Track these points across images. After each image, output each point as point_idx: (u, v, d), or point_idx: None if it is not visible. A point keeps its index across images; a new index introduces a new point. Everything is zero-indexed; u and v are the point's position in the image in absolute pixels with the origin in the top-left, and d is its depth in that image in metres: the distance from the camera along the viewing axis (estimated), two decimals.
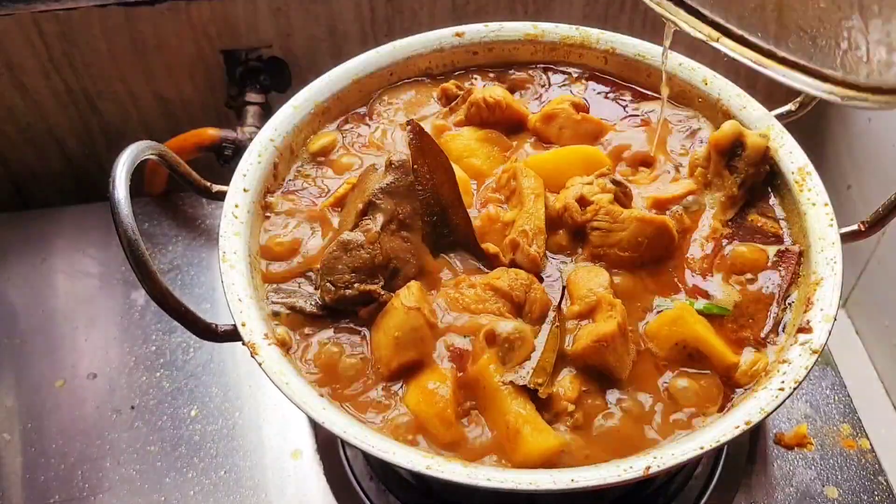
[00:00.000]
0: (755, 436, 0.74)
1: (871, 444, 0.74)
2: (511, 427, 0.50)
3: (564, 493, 0.47)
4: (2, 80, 0.90)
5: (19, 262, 0.87)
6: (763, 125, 0.63)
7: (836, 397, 0.76)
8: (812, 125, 0.64)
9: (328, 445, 0.74)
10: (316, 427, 0.75)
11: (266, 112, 0.93)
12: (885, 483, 0.71)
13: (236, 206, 0.60)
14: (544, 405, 0.51)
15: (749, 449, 0.73)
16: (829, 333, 0.52)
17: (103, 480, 0.72)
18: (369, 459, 0.71)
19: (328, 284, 0.55)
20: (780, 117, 0.65)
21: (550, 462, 0.49)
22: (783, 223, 0.60)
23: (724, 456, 0.71)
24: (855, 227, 0.59)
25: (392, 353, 0.53)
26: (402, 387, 0.53)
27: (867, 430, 0.74)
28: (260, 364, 0.53)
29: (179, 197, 0.92)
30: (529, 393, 0.51)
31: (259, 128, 0.81)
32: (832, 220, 0.58)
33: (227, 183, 0.61)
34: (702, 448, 0.48)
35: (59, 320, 0.83)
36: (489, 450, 0.50)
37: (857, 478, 0.71)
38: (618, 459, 0.49)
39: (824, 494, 0.70)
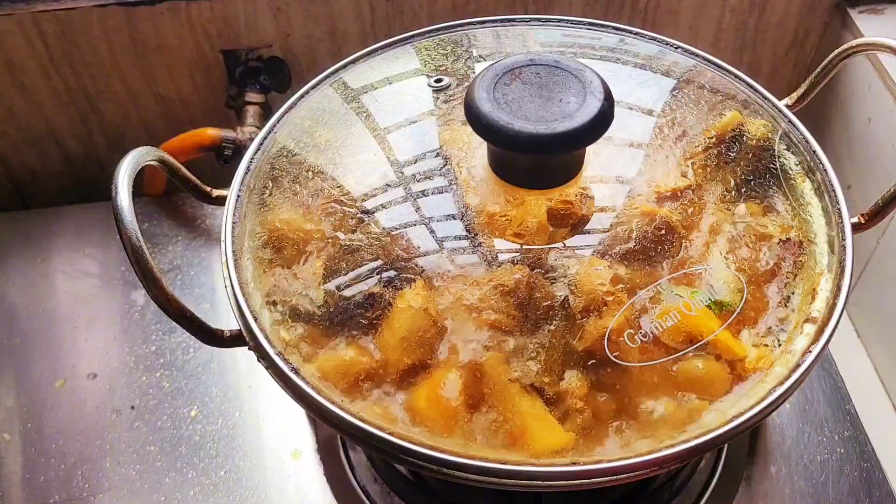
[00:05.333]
0: (755, 431, 0.74)
1: (871, 445, 0.74)
2: (520, 425, 0.50)
3: (582, 483, 0.48)
4: (2, 80, 0.90)
5: (19, 262, 0.87)
6: (766, 114, 0.63)
7: (836, 397, 0.76)
8: (812, 125, 0.64)
9: (328, 445, 0.73)
10: (316, 427, 0.75)
11: (266, 112, 0.93)
12: (885, 484, 0.71)
13: (238, 206, 0.59)
14: (553, 402, 0.51)
15: (749, 445, 0.73)
16: (837, 324, 0.52)
17: (103, 480, 0.72)
18: (373, 461, 0.71)
19: (332, 286, 0.55)
20: None
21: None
22: (788, 213, 0.59)
23: (724, 452, 0.72)
24: (855, 219, 0.59)
25: (400, 353, 0.52)
26: (411, 387, 0.52)
27: (867, 430, 0.75)
28: (267, 368, 0.53)
29: (179, 197, 0.92)
30: (537, 391, 0.51)
31: (259, 128, 0.81)
32: (839, 207, 0.57)
33: (226, 183, 0.61)
34: (712, 438, 0.49)
35: (59, 320, 0.82)
36: (499, 447, 0.50)
37: (857, 478, 0.71)
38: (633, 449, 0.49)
39: (824, 494, 0.70)
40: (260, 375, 0.75)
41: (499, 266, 0.56)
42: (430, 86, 0.65)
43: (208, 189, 0.64)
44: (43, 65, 0.89)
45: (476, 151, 0.59)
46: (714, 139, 0.61)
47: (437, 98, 0.64)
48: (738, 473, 0.71)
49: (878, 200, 0.59)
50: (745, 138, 0.61)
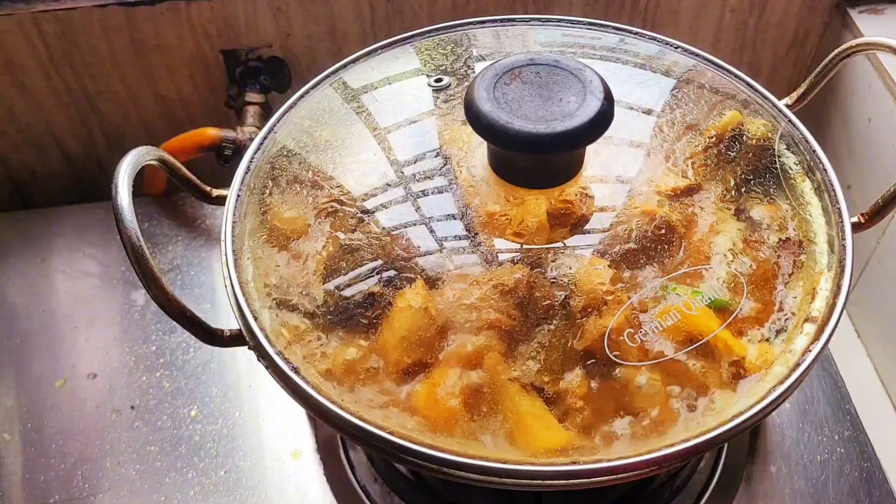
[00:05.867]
0: (755, 431, 0.74)
1: (871, 445, 0.74)
2: (519, 424, 0.50)
3: (582, 482, 0.48)
4: (2, 80, 0.90)
5: (19, 262, 0.87)
6: (766, 114, 0.63)
7: (836, 397, 0.76)
8: (812, 124, 0.64)
9: (328, 445, 0.73)
10: (316, 427, 0.75)
11: (266, 112, 0.93)
12: (885, 484, 0.71)
13: (238, 206, 0.59)
14: (553, 402, 0.51)
15: (749, 445, 0.73)
16: (837, 323, 0.52)
17: (103, 480, 0.72)
18: (373, 461, 0.71)
19: (332, 286, 0.55)
20: None
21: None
22: (788, 213, 0.60)
23: (724, 451, 0.72)
24: (855, 219, 0.59)
25: (400, 353, 0.52)
26: (411, 387, 0.52)
27: (867, 430, 0.74)
28: (267, 368, 0.53)
29: (179, 197, 0.92)
30: (537, 390, 0.51)
31: (259, 128, 0.81)
32: (839, 207, 0.57)
33: (226, 183, 0.61)
34: (712, 438, 0.48)
35: (59, 320, 0.82)
36: (499, 447, 0.50)
37: (857, 478, 0.71)
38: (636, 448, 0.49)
39: (824, 494, 0.70)
40: (260, 375, 0.75)
41: (499, 265, 0.56)
42: (430, 86, 0.65)
43: (208, 189, 0.64)
44: (43, 65, 0.89)
45: (476, 151, 0.59)
46: (714, 139, 0.61)
47: (437, 98, 0.64)
48: (738, 473, 0.71)
49: (878, 200, 0.59)
50: (745, 138, 0.61)
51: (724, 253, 0.57)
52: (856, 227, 0.58)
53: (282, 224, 0.59)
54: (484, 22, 0.70)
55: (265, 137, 0.64)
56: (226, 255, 0.56)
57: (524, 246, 0.56)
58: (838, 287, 0.54)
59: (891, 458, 0.74)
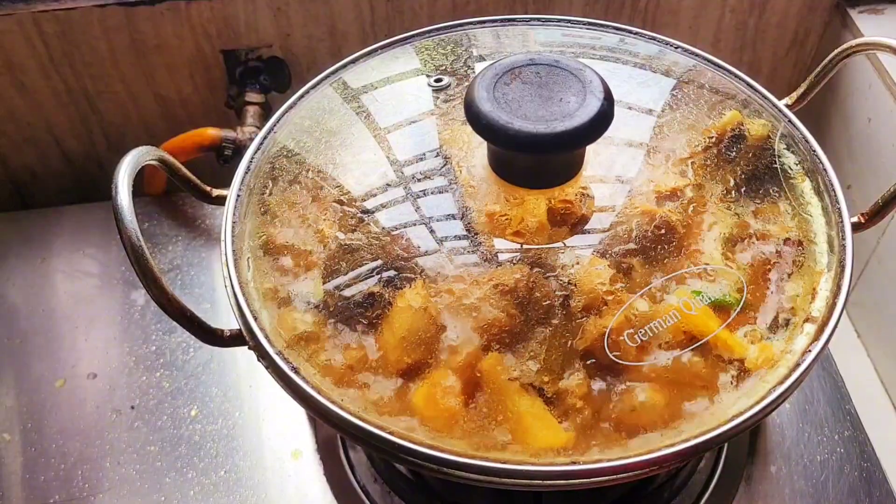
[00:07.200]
0: (755, 431, 0.74)
1: (871, 444, 0.74)
2: (519, 424, 0.50)
3: (582, 482, 0.48)
4: (2, 80, 0.90)
5: (19, 262, 0.87)
6: (766, 114, 0.63)
7: (836, 397, 0.76)
8: (812, 124, 0.64)
9: (328, 445, 0.74)
10: (316, 427, 0.75)
11: (266, 112, 0.93)
12: (885, 484, 0.71)
13: (238, 206, 0.59)
14: (553, 402, 0.51)
15: (749, 445, 0.73)
16: (837, 323, 0.52)
17: (103, 480, 0.72)
18: (373, 461, 0.71)
19: (332, 286, 0.55)
20: None
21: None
22: (788, 213, 0.60)
23: (724, 452, 0.72)
24: (855, 218, 0.59)
25: (399, 353, 0.52)
26: (410, 387, 0.52)
27: (867, 430, 0.74)
28: (267, 368, 0.53)
29: (179, 197, 0.92)
30: (537, 390, 0.51)
31: (259, 128, 0.81)
32: (839, 207, 0.58)
33: (226, 183, 0.61)
34: (712, 438, 0.48)
35: (59, 320, 0.82)
36: (499, 447, 0.50)
37: (857, 478, 0.71)
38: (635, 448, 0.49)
39: (824, 494, 0.71)
40: (260, 375, 0.75)
41: (499, 265, 0.56)
42: (430, 86, 0.65)
43: (208, 189, 0.65)
44: (43, 65, 0.89)
45: (476, 151, 0.59)
46: (714, 139, 0.61)
47: (437, 98, 0.64)
48: (738, 473, 0.71)
49: (878, 200, 0.59)
50: (745, 138, 0.61)
51: (723, 253, 0.57)
52: (856, 227, 0.58)
53: (282, 224, 0.60)
54: (484, 22, 0.70)
55: (265, 137, 0.64)
56: (226, 255, 0.56)
57: (524, 246, 0.56)
58: (838, 287, 0.54)
59: (891, 458, 0.74)
